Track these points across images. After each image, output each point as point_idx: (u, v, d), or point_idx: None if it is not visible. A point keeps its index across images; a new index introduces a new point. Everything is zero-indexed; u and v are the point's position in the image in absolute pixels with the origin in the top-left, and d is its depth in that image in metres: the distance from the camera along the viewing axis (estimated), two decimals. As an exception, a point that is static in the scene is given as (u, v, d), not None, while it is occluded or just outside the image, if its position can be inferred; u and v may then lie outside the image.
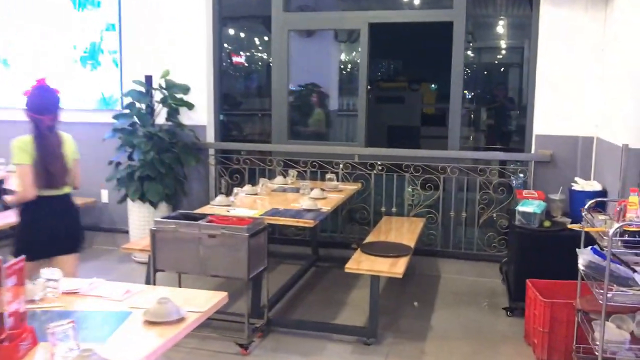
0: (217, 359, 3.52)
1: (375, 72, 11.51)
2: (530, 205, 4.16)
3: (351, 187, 4.94)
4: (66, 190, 3.27)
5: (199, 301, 2.26)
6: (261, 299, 3.84)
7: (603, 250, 2.96)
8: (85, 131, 4.95)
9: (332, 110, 8.58)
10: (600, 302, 2.81)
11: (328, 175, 4.93)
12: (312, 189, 4.48)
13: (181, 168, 5.45)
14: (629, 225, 2.67)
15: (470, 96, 10.04)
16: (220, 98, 5.77)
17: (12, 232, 3.50)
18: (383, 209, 5.29)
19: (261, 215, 3.79)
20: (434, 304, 4.45)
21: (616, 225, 2.67)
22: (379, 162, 5.24)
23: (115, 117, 5.36)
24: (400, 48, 10.16)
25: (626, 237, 2.71)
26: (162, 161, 5.20)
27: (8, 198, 3.32)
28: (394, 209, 5.24)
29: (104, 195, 5.92)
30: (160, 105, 5.33)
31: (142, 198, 5.21)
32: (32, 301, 2.19)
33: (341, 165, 5.31)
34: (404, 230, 4.63)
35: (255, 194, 4.48)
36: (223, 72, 6.03)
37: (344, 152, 5.38)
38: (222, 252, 3.43)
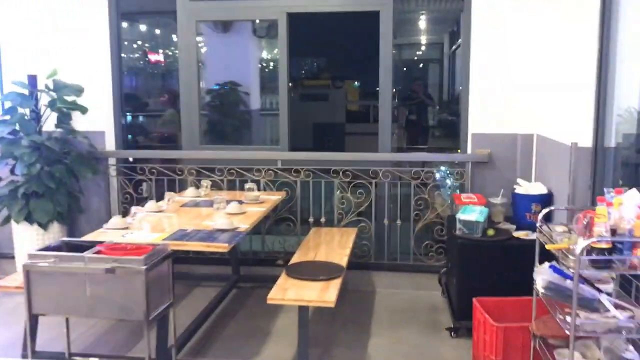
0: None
1: (299, 70, 11.76)
2: (472, 213, 3.74)
3: (274, 198, 4.37)
4: None
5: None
6: (168, 339, 3.21)
7: (566, 269, 2.56)
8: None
9: (254, 110, 8.09)
10: (564, 328, 2.40)
11: (247, 185, 4.33)
12: (228, 203, 3.89)
13: (76, 181, 4.70)
14: (599, 242, 2.25)
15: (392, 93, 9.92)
16: (120, 99, 5.05)
17: None
18: (311, 219, 4.76)
19: (164, 239, 3.16)
20: (370, 328, 3.96)
21: (583, 242, 2.25)
22: (304, 168, 4.71)
23: (-7, 124, 4.53)
24: (323, 45, 10.30)
25: (594, 256, 2.29)
26: (51, 174, 4.45)
27: None
28: (322, 219, 4.72)
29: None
30: (48, 109, 4.57)
31: (29, 219, 4.44)
32: None
33: (263, 173, 4.74)
34: (334, 244, 4.11)
35: (160, 211, 3.83)
36: (138, 72, 5.33)
37: (266, 157, 4.81)
38: (113, 290, 2.79)
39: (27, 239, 4.51)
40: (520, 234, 3.74)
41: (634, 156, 3.12)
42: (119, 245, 2.98)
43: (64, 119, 4.64)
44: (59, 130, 4.64)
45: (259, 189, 4.53)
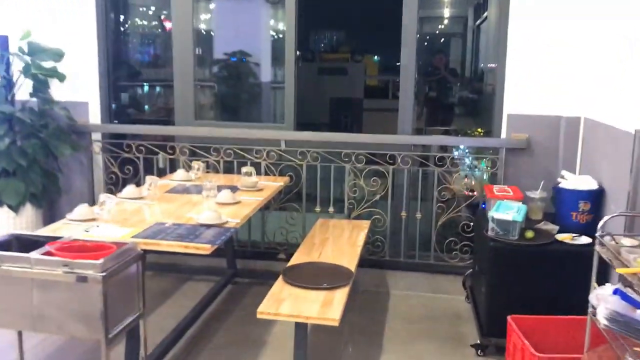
0: None
1: (318, 43, 11.49)
2: (508, 210, 3.13)
3: (275, 185, 3.79)
4: None
5: None
6: (139, 354, 2.68)
7: (638, 296, 1.96)
8: None
9: (264, 82, 7.51)
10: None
11: (244, 169, 3.73)
12: (220, 190, 3.32)
13: (54, 159, 4.17)
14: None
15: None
16: (110, 66, 4.47)
17: None
18: (317, 208, 4.19)
19: (135, 236, 2.61)
20: (382, 339, 3.39)
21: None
22: (310, 150, 4.12)
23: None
24: (343, 18, 10.04)
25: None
26: (23, 150, 3.91)
27: None
28: (331, 209, 4.14)
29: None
30: (22, 76, 4.01)
31: (-3, 200, 3.93)
32: None
33: (264, 154, 4.17)
34: (343, 241, 3.54)
35: (141, 198, 3.28)
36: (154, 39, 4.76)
37: (268, 136, 4.23)
38: (65, 301, 2.25)
39: (-3, 223, 4.00)
40: (564, 237, 3.14)
41: None
42: (76, 244, 2.44)
43: (40, 88, 4.08)
44: (34, 100, 4.09)
45: (259, 174, 3.96)
